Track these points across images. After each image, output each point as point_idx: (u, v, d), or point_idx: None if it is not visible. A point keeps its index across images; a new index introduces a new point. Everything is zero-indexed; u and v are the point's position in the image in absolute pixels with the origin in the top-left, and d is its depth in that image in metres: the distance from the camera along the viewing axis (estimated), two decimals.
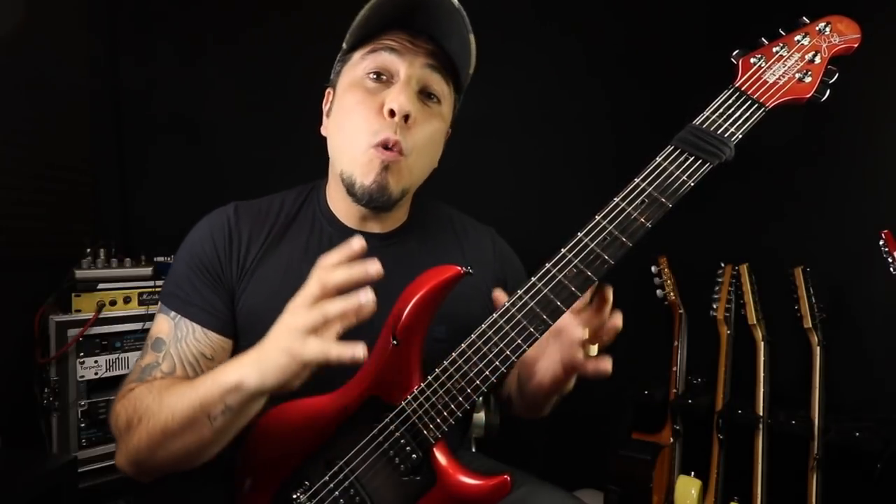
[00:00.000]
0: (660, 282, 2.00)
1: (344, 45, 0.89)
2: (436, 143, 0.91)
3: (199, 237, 0.91)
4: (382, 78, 0.85)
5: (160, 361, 0.84)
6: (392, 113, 0.82)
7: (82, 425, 1.50)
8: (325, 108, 0.96)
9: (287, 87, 2.01)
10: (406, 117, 0.82)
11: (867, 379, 1.79)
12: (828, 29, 0.75)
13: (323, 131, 0.95)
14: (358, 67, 0.87)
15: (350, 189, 0.87)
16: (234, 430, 0.73)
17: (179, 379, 0.81)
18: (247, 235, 0.91)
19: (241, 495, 0.83)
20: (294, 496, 0.78)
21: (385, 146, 0.83)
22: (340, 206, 0.94)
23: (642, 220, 0.69)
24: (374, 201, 0.86)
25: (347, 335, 0.86)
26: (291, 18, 2.10)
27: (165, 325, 0.87)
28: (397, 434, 0.75)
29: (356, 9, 0.91)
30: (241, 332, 0.89)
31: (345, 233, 0.93)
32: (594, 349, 0.75)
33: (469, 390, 0.72)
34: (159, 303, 0.90)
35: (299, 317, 0.64)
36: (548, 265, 0.71)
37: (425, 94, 0.87)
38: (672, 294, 1.97)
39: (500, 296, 0.77)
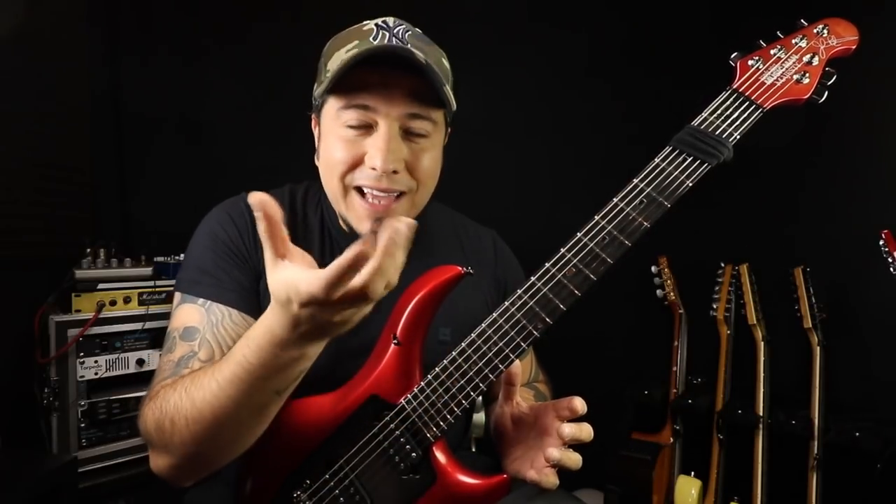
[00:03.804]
0: (660, 282, 2.00)
1: (318, 90, 0.85)
2: (436, 167, 0.90)
3: (218, 222, 0.88)
4: (363, 127, 0.82)
5: (197, 350, 0.79)
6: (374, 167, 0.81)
7: (82, 425, 1.49)
8: (315, 133, 0.93)
9: (287, 87, 2.00)
10: (394, 171, 0.82)
11: (867, 379, 1.79)
12: (825, 31, 0.75)
13: (317, 162, 0.92)
14: (337, 118, 0.83)
15: (350, 230, 0.87)
16: (293, 387, 0.69)
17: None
18: None
19: (242, 494, 0.83)
20: (295, 495, 0.79)
21: (363, 192, 0.83)
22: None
23: (641, 220, 0.69)
24: None
25: (348, 337, 0.87)
26: (291, 18, 2.10)
27: (195, 313, 0.82)
28: (397, 433, 0.75)
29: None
30: None
31: (349, 236, 0.93)
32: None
33: (469, 389, 0.72)
34: (178, 295, 0.85)
35: (340, 299, 0.54)
36: (547, 265, 0.72)
37: (413, 132, 0.84)
38: (672, 294, 1.97)
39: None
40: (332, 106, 0.84)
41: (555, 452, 0.72)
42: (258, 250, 0.86)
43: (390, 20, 0.85)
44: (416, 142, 0.85)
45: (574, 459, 0.73)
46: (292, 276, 0.55)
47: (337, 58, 0.82)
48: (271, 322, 0.61)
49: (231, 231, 0.87)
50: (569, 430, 0.73)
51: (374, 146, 0.81)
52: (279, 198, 0.96)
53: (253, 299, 0.84)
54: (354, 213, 0.85)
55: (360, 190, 0.84)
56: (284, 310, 0.58)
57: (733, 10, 1.93)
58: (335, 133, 0.84)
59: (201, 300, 0.83)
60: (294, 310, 0.56)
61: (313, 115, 0.92)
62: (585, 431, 0.73)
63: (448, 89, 0.81)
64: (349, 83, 0.80)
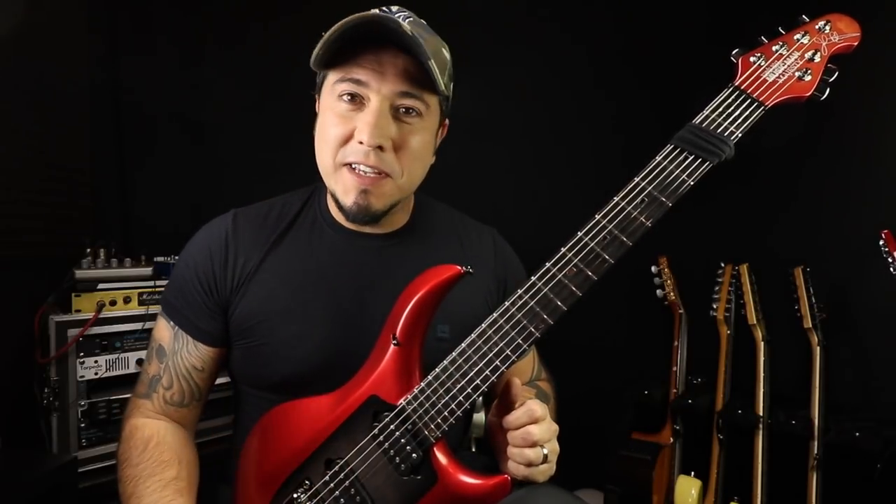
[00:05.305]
0: (660, 282, 2.00)
1: (313, 67, 0.86)
2: (424, 151, 0.89)
3: (197, 248, 0.93)
4: (356, 100, 0.83)
5: (161, 374, 0.92)
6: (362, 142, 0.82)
7: (82, 425, 1.49)
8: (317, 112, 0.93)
9: (288, 86, 1.99)
10: (380, 147, 0.82)
11: (867, 379, 1.79)
12: (827, 27, 0.75)
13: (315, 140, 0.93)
14: (332, 91, 0.85)
15: (338, 205, 0.89)
16: None
17: (158, 462, 0.89)
18: (245, 245, 0.91)
19: (242, 495, 0.83)
20: (294, 495, 0.78)
21: (353, 167, 0.83)
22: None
23: (642, 219, 0.69)
24: (359, 219, 0.87)
25: (348, 338, 0.87)
26: (292, 18, 2.10)
27: (166, 333, 0.92)
28: (397, 433, 0.75)
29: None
30: (234, 336, 0.90)
31: (346, 235, 0.93)
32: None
33: (469, 390, 0.72)
34: (161, 305, 0.95)
35: None
36: (548, 264, 0.72)
37: (403, 111, 0.85)
38: (672, 294, 1.97)
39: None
40: (329, 80, 0.86)
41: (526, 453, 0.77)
42: (227, 279, 0.90)
43: (394, 7, 0.87)
44: (406, 121, 0.85)
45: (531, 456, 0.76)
46: None
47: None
48: None
49: (203, 261, 0.91)
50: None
51: (362, 121, 0.82)
52: (281, 203, 0.97)
53: (212, 332, 0.91)
54: (342, 185, 0.86)
55: (349, 166, 0.85)
56: None
57: (731, 12, 1.93)
58: (330, 107, 0.86)
59: (172, 322, 0.92)
60: None
61: (316, 94, 0.93)
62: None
63: (433, 64, 0.80)
64: (345, 58, 0.82)
